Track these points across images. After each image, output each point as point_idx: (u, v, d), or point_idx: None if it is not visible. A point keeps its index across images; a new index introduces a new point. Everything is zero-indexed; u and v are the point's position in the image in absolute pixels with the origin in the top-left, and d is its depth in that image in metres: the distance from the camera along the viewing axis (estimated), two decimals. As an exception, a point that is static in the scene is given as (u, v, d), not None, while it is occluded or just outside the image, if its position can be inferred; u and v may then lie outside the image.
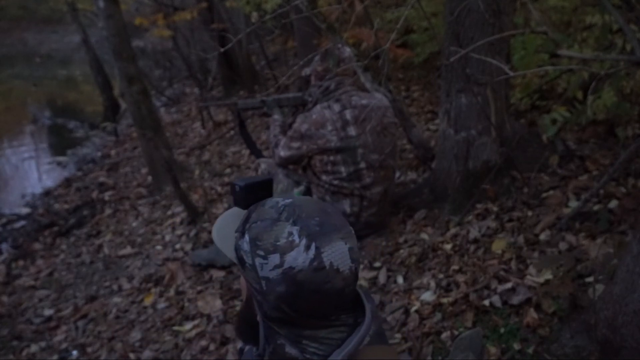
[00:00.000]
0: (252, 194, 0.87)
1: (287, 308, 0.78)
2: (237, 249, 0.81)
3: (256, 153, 3.05)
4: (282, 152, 2.63)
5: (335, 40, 2.77)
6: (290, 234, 0.76)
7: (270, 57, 7.26)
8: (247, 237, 0.79)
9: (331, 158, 2.52)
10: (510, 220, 2.34)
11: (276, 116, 2.81)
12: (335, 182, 2.56)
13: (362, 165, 2.53)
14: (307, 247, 0.76)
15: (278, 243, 0.76)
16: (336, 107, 2.51)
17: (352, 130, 2.50)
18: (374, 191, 2.59)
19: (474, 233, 2.33)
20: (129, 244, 3.76)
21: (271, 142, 2.75)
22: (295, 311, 0.78)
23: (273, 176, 2.76)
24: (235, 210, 0.91)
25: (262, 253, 0.77)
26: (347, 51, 2.62)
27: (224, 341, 2.40)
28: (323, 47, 2.84)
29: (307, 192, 2.70)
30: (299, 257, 0.76)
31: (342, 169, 2.53)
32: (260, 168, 2.82)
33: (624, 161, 2.20)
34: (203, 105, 4.91)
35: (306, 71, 2.69)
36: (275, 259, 0.76)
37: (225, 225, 0.89)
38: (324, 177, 2.57)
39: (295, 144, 2.57)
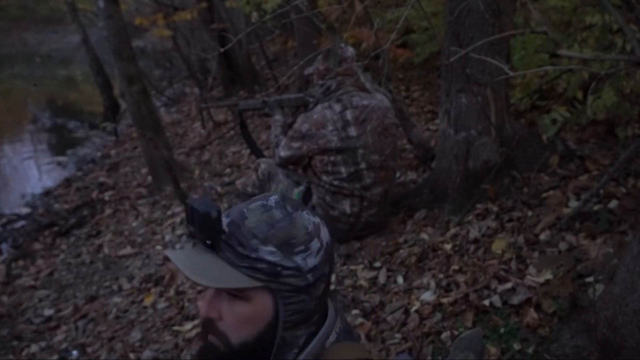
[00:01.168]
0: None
1: (327, 286, 0.80)
2: (257, 270, 0.75)
3: (257, 153, 3.05)
4: (283, 152, 2.63)
5: (335, 40, 2.77)
6: (309, 218, 0.79)
7: (270, 57, 7.26)
8: (269, 247, 0.75)
9: (331, 158, 2.52)
10: (510, 220, 2.34)
11: (277, 116, 2.81)
12: (336, 182, 2.56)
13: (363, 165, 2.53)
14: (322, 222, 0.81)
15: (309, 230, 0.78)
16: (337, 107, 2.51)
17: (352, 131, 2.50)
18: (374, 192, 2.59)
19: (474, 233, 2.33)
20: (129, 244, 3.76)
21: (272, 142, 2.75)
22: (329, 288, 0.81)
23: (273, 176, 2.76)
24: (176, 254, 0.78)
25: (302, 247, 0.76)
26: (350, 51, 2.61)
27: (224, 341, 2.40)
28: (324, 47, 2.84)
29: (307, 192, 2.70)
30: (325, 232, 0.81)
31: (343, 169, 2.53)
32: (260, 168, 2.82)
33: (624, 161, 2.20)
34: (204, 106, 4.90)
35: (309, 70, 2.69)
36: (316, 244, 0.78)
37: (203, 266, 0.76)
38: (324, 178, 2.57)
39: (296, 144, 2.57)
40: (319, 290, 0.79)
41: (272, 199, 0.79)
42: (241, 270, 0.75)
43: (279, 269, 0.75)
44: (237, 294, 0.77)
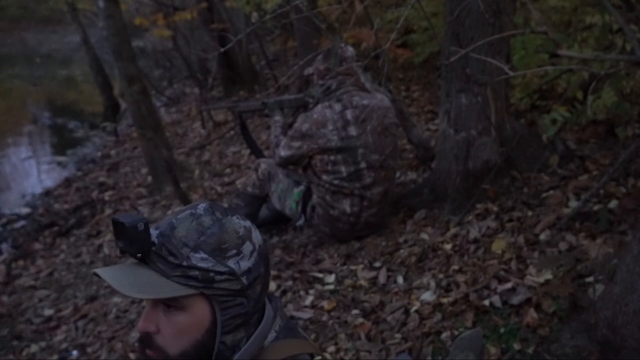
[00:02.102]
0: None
1: (264, 287, 0.82)
2: (191, 277, 0.75)
3: (257, 153, 3.06)
4: (283, 152, 2.63)
5: (335, 40, 2.77)
6: (239, 222, 0.81)
7: (270, 57, 7.26)
8: (201, 254, 0.76)
9: (332, 158, 2.52)
10: (510, 220, 2.34)
11: (277, 117, 2.82)
12: (336, 181, 2.56)
13: (363, 165, 2.53)
14: (252, 225, 0.83)
15: (240, 234, 0.79)
16: (337, 106, 2.51)
17: (352, 130, 2.50)
18: (374, 191, 2.59)
19: (474, 233, 2.33)
20: (129, 244, 3.75)
21: (272, 142, 2.75)
22: (265, 288, 0.83)
23: (273, 176, 2.76)
24: (105, 270, 0.77)
25: (234, 251, 0.78)
26: (350, 50, 2.62)
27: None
28: (324, 47, 2.84)
29: (308, 191, 2.70)
30: (257, 234, 0.83)
31: (343, 168, 2.53)
32: (260, 168, 2.82)
33: (624, 161, 2.20)
34: (205, 108, 4.90)
35: (308, 70, 2.70)
36: (248, 246, 0.79)
37: (132, 281, 0.76)
38: (324, 177, 2.57)
39: (296, 144, 2.57)
40: (256, 291, 0.80)
41: (201, 207, 0.80)
42: (174, 280, 0.76)
43: (212, 274, 0.76)
44: (173, 305, 0.77)
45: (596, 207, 2.19)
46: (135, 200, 4.55)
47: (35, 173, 6.43)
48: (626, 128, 2.56)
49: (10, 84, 11.89)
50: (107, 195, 4.83)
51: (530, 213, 2.32)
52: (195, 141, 5.73)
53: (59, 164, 6.64)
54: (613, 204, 2.18)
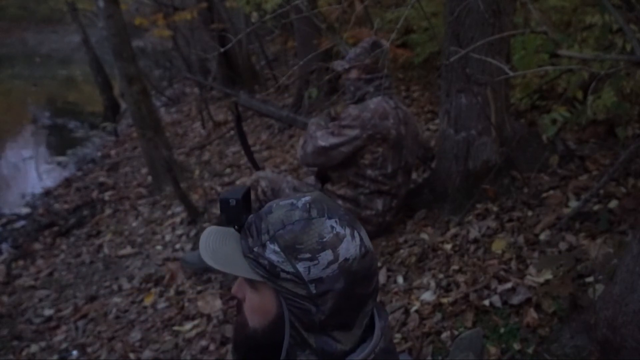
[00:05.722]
0: (246, 206, 0.80)
1: (344, 304, 0.75)
2: (260, 265, 0.75)
3: (248, 151, 2.92)
4: (323, 141, 2.44)
5: (336, 40, 2.77)
6: (332, 227, 0.75)
7: (270, 57, 7.27)
8: (275, 247, 0.74)
9: (384, 151, 2.46)
10: (510, 220, 2.34)
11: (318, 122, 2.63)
12: (380, 177, 2.50)
13: (402, 164, 2.53)
14: (352, 236, 0.76)
15: (324, 239, 0.74)
16: (391, 103, 2.49)
17: (402, 129, 2.48)
18: (402, 192, 2.60)
19: (474, 233, 2.33)
20: (129, 244, 3.76)
21: (308, 137, 2.53)
22: (349, 306, 0.77)
23: (278, 192, 2.62)
24: (213, 229, 0.82)
25: (307, 255, 0.73)
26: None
27: (224, 341, 2.40)
28: (324, 47, 2.83)
29: None
30: (350, 247, 0.75)
31: (389, 164, 2.50)
32: (261, 186, 2.66)
33: (624, 161, 2.20)
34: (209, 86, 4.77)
35: (341, 64, 2.55)
36: (327, 255, 0.73)
37: (217, 247, 0.79)
38: (368, 172, 2.47)
39: (352, 132, 2.40)
40: (328, 304, 0.74)
41: (303, 200, 0.78)
42: (247, 261, 0.77)
43: (278, 270, 0.74)
44: (251, 283, 0.79)
45: (596, 207, 2.19)
46: (135, 200, 4.56)
47: (35, 173, 6.43)
48: (626, 128, 2.56)
49: (10, 84, 11.90)
50: (107, 195, 4.83)
51: (530, 213, 2.32)
52: (195, 141, 5.73)
53: (59, 164, 6.64)
54: (613, 204, 2.18)
